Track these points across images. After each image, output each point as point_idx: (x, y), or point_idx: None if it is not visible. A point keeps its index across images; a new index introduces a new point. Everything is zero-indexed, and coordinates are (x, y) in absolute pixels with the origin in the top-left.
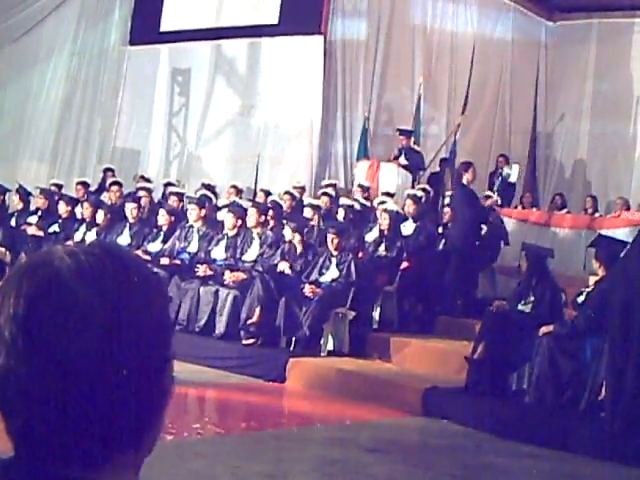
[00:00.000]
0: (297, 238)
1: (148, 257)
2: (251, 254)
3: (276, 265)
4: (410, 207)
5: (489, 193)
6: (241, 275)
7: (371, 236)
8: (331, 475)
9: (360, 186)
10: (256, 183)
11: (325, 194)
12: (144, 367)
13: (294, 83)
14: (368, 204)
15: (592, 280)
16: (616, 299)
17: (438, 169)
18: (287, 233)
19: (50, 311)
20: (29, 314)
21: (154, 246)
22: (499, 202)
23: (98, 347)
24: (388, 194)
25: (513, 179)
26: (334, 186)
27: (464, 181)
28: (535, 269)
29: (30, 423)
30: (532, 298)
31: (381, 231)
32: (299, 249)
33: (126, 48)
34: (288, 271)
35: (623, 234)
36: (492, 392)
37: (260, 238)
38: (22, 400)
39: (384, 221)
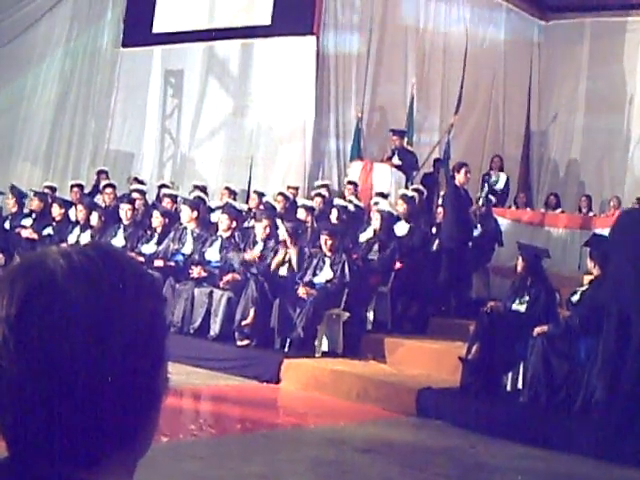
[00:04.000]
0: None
1: (142, 259)
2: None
3: (270, 265)
4: (403, 207)
5: (480, 194)
6: (236, 276)
7: (365, 237)
8: (325, 476)
9: (350, 183)
10: (249, 184)
11: (318, 195)
12: (136, 367)
13: (287, 84)
14: (361, 204)
15: (587, 279)
16: (611, 299)
17: (432, 169)
18: (282, 232)
19: (42, 312)
20: (21, 315)
21: (148, 248)
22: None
23: (90, 347)
24: (382, 195)
25: (499, 187)
26: (327, 187)
27: (456, 182)
28: (531, 269)
29: (22, 423)
30: (527, 298)
31: (374, 232)
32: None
33: (119, 50)
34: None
35: None
36: (486, 392)
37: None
38: (14, 400)
39: (376, 221)
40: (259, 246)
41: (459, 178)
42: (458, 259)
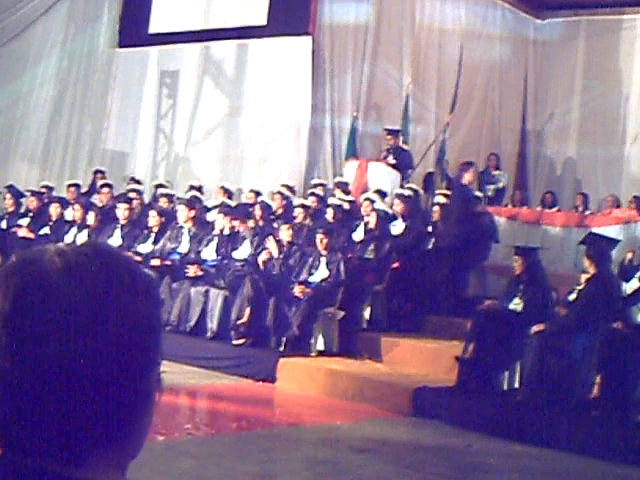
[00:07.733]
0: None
1: (139, 258)
2: (242, 253)
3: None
4: (399, 206)
5: (479, 194)
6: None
7: (358, 235)
8: (321, 475)
9: (337, 184)
10: (245, 184)
11: (313, 194)
12: (128, 365)
13: (282, 84)
14: (355, 200)
15: (583, 278)
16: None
17: (429, 169)
18: (283, 234)
19: (35, 308)
20: (14, 310)
21: (145, 247)
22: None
23: (82, 344)
24: (380, 192)
25: (501, 184)
26: (323, 186)
27: (464, 181)
28: (530, 270)
29: (13, 418)
30: (523, 297)
31: (369, 230)
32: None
33: (115, 50)
34: (275, 253)
35: (614, 232)
36: (483, 391)
37: (250, 237)
38: (5, 394)
39: (372, 220)
40: (247, 241)
41: (467, 177)
42: (454, 257)
